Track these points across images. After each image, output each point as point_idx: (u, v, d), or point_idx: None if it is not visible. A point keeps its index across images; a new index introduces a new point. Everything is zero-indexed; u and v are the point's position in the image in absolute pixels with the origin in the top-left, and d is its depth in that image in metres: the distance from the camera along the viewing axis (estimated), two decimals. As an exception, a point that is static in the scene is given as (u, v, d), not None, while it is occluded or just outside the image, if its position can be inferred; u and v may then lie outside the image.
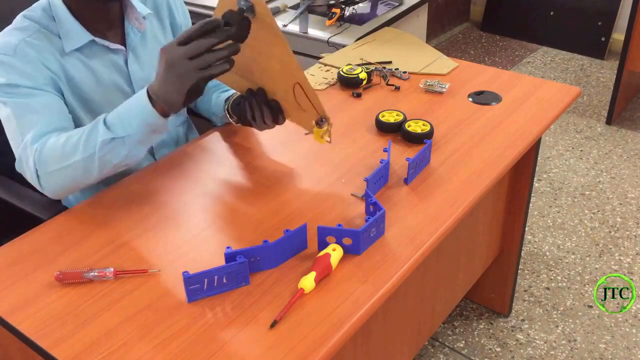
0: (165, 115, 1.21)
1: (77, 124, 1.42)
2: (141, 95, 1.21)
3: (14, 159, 1.31)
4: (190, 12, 1.68)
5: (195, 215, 1.29)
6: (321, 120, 1.31)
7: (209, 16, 1.20)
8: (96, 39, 1.39)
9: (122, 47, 1.44)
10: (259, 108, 1.38)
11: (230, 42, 1.16)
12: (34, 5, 1.39)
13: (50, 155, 1.26)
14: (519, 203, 1.91)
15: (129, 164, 1.28)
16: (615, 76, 3.16)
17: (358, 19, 2.37)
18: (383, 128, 1.55)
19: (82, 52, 1.39)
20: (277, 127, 1.59)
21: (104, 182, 1.51)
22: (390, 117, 1.55)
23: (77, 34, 1.37)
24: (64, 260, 1.18)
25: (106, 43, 1.41)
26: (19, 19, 1.37)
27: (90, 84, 1.40)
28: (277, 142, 1.54)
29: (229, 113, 1.54)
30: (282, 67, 1.28)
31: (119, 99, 1.44)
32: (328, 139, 1.34)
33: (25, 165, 1.30)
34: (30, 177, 1.30)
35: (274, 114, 1.38)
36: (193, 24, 1.18)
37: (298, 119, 1.37)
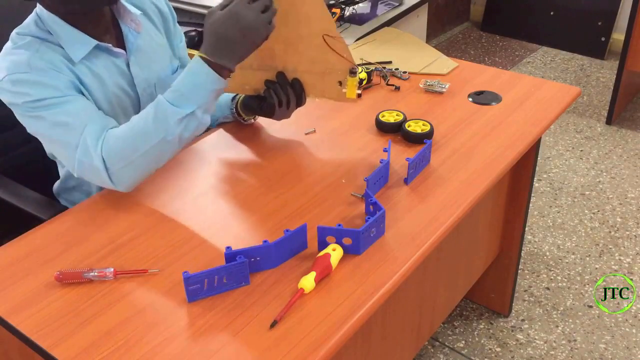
0: (225, 76, 1.25)
1: None
2: (200, 66, 1.23)
3: (14, 159, 1.31)
4: (191, 12, 1.69)
5: (195, 215, 1.29)
6: (354, 70, 1.38)
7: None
8: (100, 43, 1.37)
9: (123, 51, 1.43)
10: (284, 91, 1.42)
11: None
12: (24, 22, 1.36)
13: (121, 149, 1.24)
14: (519, 203, 1.91)
15: (198, 134, 1.28)
16: (615, 76, 3.16)
17: (358, 19, 2.37)
18: (383, 128, 1.55)
19: (88, 58, 1.37)
20: (278, 127, 1.59)
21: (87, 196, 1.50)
22: (390, 117, 1.55)
23: (81, 41, 1.35)
24: (64, 260, 1.18)
25: (109, 46, 1.39)
26: (15, 38, 1.33)
27: (97, 89, 1.38)
28: (277, 142, 1.54)
29: (237, 110, 1.55)
30: (309, 22, 1.33)
31: (122, 102, 1.44)
32: (359, 91, 1.44)
33: (90, 168, 1.26)
34: (98, 178, 1.27)
35: (298, 94, 1.43)
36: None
37: (322, 89, 1.43)
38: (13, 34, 1.34)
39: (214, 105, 1.29)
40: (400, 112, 1.56)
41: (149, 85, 1.48)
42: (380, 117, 1.55)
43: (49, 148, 1.43)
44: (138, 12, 1.48)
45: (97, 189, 1.42)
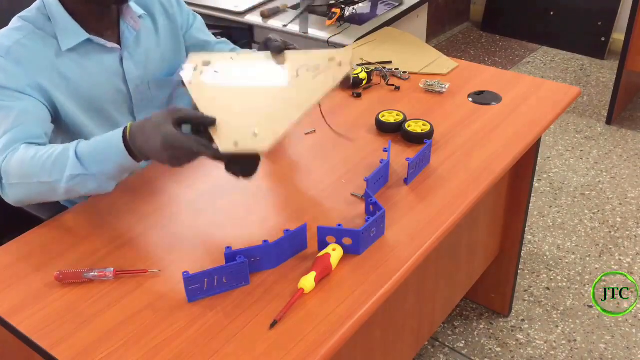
0: (139, 160, 1.18)
1: (80, 127, 1.42)
2: (117, 138, 1.17)
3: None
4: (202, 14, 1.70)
5: (195, 215, 1.29)
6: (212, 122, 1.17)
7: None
8: (92, 37, 1.39)
9: (118, 46, 1.44)
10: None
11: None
12: (30, 6, 1.39)
13: (16, 168, 1.23)
14: (519, 203, 1.91)
15: (97, 194, 1.26)
16: (615, 76, 3.16)
17: (358, 19, 2.37)
18: (383, 128, 1.54)
19: (78, 51, 1.39)
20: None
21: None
22: (390, 117, 1.55)
23: (74, 32, 1.37)
24: (64, 260, 1.18)
25: (102, 42, 1.41)
26: (14, 20, 1.38)
27: (86, 83, 1.40)
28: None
29: None
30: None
31: (117, 97, 1.46)
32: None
33: None
34: None
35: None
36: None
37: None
38: (15, 16, 1.38)
39: (122, 177, 1.25)
40: (400, 112, 1.56)
41: (142, 83, 1.50)
42: (380, 117, 1.55)
43: None
44: (140, 12, 1.49)
45: None
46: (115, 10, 1.44)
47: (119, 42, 1.45)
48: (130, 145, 1.16)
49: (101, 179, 1.20)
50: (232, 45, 1.75)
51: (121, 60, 1.45)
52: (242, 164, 1.17)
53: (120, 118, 1.48)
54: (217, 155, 1.14)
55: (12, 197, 1.27)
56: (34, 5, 1.39)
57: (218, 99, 1.22)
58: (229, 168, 1.18)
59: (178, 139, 1.11)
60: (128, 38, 1.46)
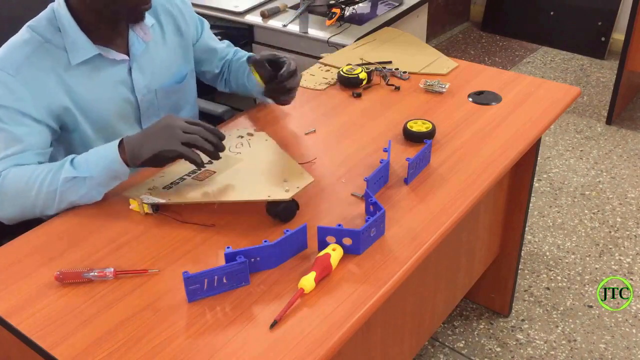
0: (128, 165, 1.27)
1: (87, 140, 1.43)
2: (113, 144, 1.28)
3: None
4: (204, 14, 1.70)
5: (195, 215, 1.29)
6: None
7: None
8: (102, 51, 1.39)
9: (127, 57, 1.44)
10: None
11: (218, 143, 1.28)
12: (39, 15, 1.38)
13: (12, 186, 1.27)
14: (519, 203, 1.91)
15: (86, 202, 1.30)
16: (615, 76, 3.16)
17: (358, 19, 2.37)
18: (413, 138, 1.50)
19: (87, 64, 1.39)
20: (278, 127, 1.59)
21: None
22: (422, 127, 1.50)
23: (83, 47, 1.37)
24: (64, 260, 1.18)
25: (111, 55, 1.41)
26: (23, 30, 1.36)
27: (94, 96, 1.40)
28: (277, 142, 1.53)
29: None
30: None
31: (124, 107, 1.46)
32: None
33: None
34: None
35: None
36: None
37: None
38: (25, 26, 1.37)
39: (110, 185, 1.30)
40: (426, 120, 1.52)
41: (149, 92, 1.50)
42: (408, 126, 1.51)
43: None
44: (152, 21, 1.49)
45: None
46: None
47: (127, 51, 1.44)
48: (125, 146, 1.26)
49: (90, 183, 1.26)
50: (235, 48, 1.75)
51: (129, 70, 1.45)
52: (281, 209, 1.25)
53: (127, 130, 1.48)
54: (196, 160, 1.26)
55: (3, 214, 1.31)
56: (44, 14, 1.37)
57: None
58: (269, 212, 1.26)
59: (183, 125, 1.25)
60: (137, 49, 1.45)
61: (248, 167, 1.37)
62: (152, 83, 1.50)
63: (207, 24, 1.68)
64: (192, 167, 1.34)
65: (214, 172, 1.34)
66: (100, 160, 1.27)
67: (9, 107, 1.30)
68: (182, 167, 1.36)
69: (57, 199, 1.27)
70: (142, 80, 1.48)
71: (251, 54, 1.62)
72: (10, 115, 1.30)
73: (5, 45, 1.34)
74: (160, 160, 1.27)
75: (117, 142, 1.28)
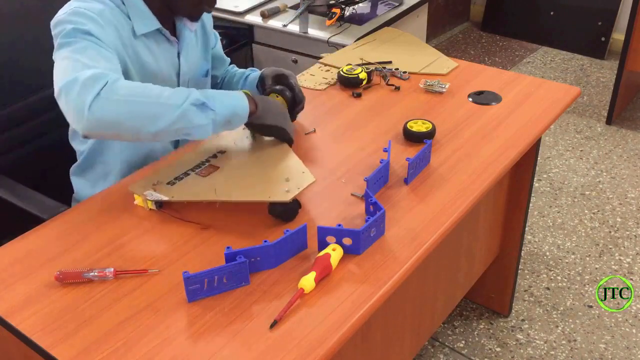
0: (251, 111, 1.33)
1: None
2: (239, 92, 1.34)
3: (14, 159, 1.30)
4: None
5: (195, 215, 1.29)
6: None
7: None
8: (161, 28, 1.45)
9: (177, 41, 1.51)
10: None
11: None
12: None
13: (130, 85, 1.23)
14: (519, 203, 1.91)
15: (187, 135, 1.27)
16: (615, 76, 3.16)
17: (358, 19, 2.37)
18: (413, 138, 1.50)
19: (148, 37, 1.44)
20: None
21: (104, 179, 1.51)
22: (422, 127, 1.51)
23: (149, 19, 1.43)
24: (64, 260, 1.18)
25: (168, 34, 1.48)
26: None
27: (152, 68, 1.46)
28: (277, 142, 1.53)
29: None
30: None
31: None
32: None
33: (82, 87, 1.18)
34: (81, 100, 1.17)
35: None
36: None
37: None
38: None
39: (221, 128, 1.30)
40: (426, 120, 1.53)
41: (188, 79, 1.57)
42: (408, 126, 1.51)
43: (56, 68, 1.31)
44: None
45: (115, 169, 1.50)
46: None
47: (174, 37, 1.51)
48: (256, 101, 1.35)
49: (210, 117, 1.26)
50: (236, 68, 1.78)
51: (178, 54, 1.52)
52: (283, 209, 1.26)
53: None
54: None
55: (100, 113, 1.17)
56: None
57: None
58: (271, 212, 1.27)
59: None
60: (187, 36, 1.52)
61: (251, 163, 1.38)
62: (189, 71, 1.57)
63: (217, 34, 1.75)
64: (196, 161, 1.38)
65: (218, 167, 1.36)
66: (230, 100, 1.30)
67: (96, 35, 1.31)
68: (186, 161, 1.38)
69: (177, 115, 1.21)
70: (186, 66, 1.55)
71: (256, 72, 1.67)
72: (101, 44, 1.31)
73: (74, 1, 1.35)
74: (269, 132, 1.40)
75: (241, 91, 1.34)
